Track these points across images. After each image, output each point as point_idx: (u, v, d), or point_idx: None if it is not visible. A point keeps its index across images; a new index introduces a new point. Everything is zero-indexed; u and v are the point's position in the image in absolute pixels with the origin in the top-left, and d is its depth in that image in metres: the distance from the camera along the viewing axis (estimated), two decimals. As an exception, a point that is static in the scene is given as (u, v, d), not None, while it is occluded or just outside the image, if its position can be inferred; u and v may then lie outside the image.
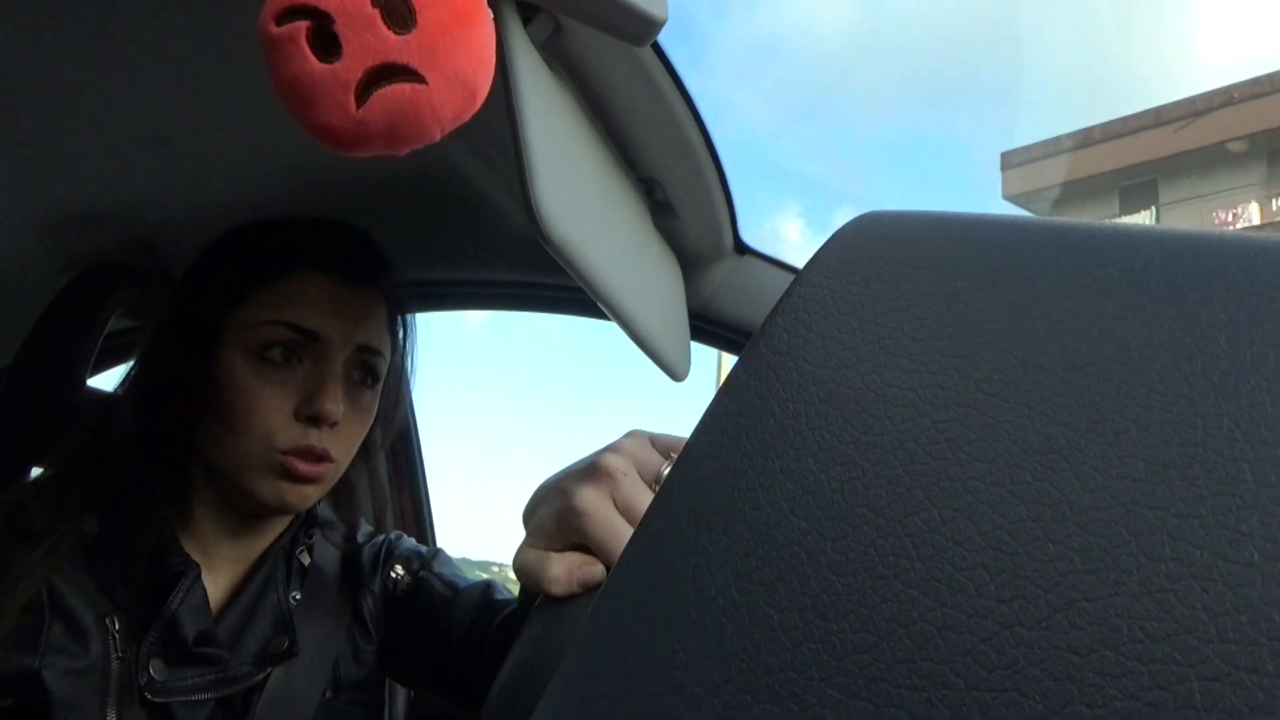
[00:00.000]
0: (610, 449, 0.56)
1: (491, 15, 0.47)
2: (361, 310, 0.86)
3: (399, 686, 1.40)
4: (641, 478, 0.55)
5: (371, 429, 0.91)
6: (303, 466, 0.81)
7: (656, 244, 0.89)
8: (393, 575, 0.96)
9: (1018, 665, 0.21)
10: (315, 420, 0.81)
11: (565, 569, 0.53)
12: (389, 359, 0.91)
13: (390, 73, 0.44)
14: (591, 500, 0.53)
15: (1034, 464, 0.23)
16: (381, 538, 1.01)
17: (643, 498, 0.54)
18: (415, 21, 0.43)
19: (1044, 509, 0.23)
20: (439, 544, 1.57)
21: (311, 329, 0.82)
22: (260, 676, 0.81)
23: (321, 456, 0.82)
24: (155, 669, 0.76)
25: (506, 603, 0.89)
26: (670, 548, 0.27)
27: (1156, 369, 0.24)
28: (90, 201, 1.14)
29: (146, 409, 0.84)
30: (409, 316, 0.99)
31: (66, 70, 0.85)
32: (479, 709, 0.88)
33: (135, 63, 0.82)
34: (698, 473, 0.28)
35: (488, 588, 0.92)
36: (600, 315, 1.11)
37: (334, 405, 0.82)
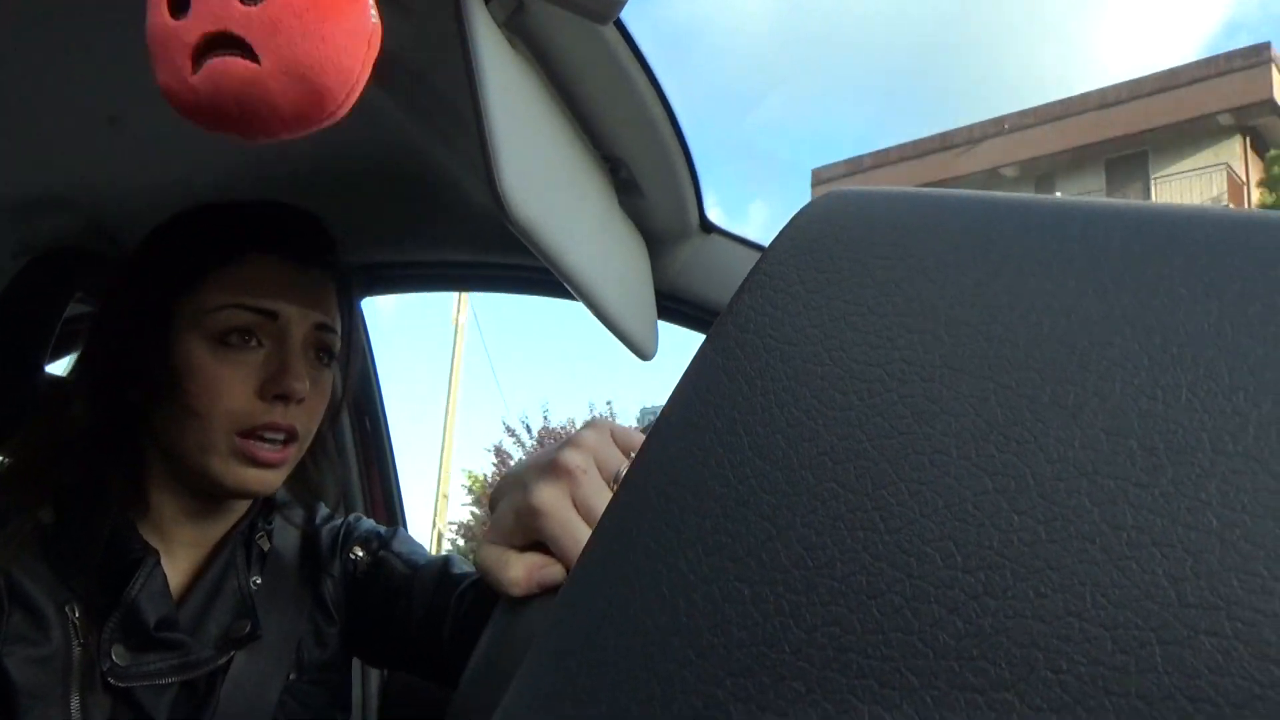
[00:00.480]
0: (571, 444, 0.56)
1: (372, 19, 0.44)
2: (315, 290, 0.86)
3: (370, 667, 1.40)
4: (601, 474, 0.55)
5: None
6: (265, 452, 0.81)
7: (622, 223, 0.88)
8: (352, 556, 0.96)
9: (984, 634, 0.22)
10: (282, 398, 0.81)
11: (525, 571, 0.53)
12: (339, 335, 0.91)
13: (226, 43, 0.41)
14: (549, 499, 0.53)
15: (998, 436, 0.24)
16: (340, 520, 1.00)
17: (601, 497, 0.53)
18: None
19: (1008, 480, 0.23)
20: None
21: (270, 309, 0.82)
22: (223, 660, 0.81)
23: (288, 434, 0.82)
24: (117, 654, 0.76)
25: (465, 575, 0.89)
26: (641, 525, 0.27)
27: (1117, 342, 0.24)
28: (44, 185, 1.12)
29: (99, 396, 0.83)
30: (355, 298, 0.98)
31: (17, 51, 0.83)
32: (444, 682, 0.88)
33: (87, 42, 0.80)
34: (667, 451, 0.28)
35: (446, 562, 0.92)
36: (567, 295, 1.10)
37: (300, 382, 0.82)
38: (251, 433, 0.81)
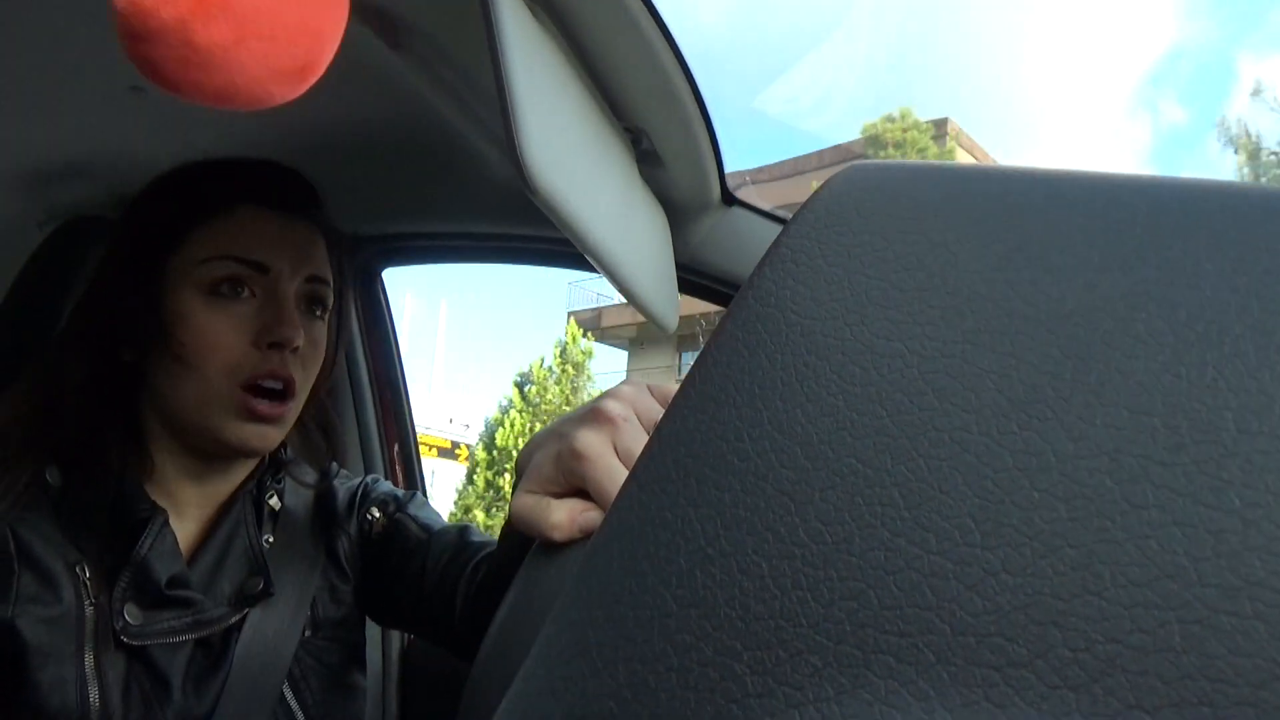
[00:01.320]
0: (610, 394, 0.56)
1: None
2: (304, 241, 0.87)
3: (388, 629, 1.42)
4: (641, 423, 0.55)
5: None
6: (263, 407, 0.82)
7: (643, 194, 0.88)
8: (369, 517, 0.96)
9: (1002, 611, 0.22)
10: (277, 346, 0.82)
11: (568, 514, 0.53)
12: (334, 291, 0.91)
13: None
14: (593, 443, 0.53)
15: (1019, 413, 0.24)
16: (358, 480, 1.01)
17: (642, 443, 0.54)
18: None
19: (1029, 458, 0.23)
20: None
21: (259, 260, 0.83)
22: (237, 618, 0.82)
23: (285, 384, 0.83)
24: (130, 613, 0.77)
25: (483, 544, 0.90)
26: (660, 499, 0.27)
27: (1141, 318, 0.24)
28: (69, 153, 1.13)
29: (92, 354, 0.84)
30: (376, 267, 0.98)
31: (41, 20, 0.83)
32: (454, 649, 0.89)
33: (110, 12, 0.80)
34: (687, 424, 0.28)
35: (464, 530, 0.93)
36: (588, 267, 1.10)
37: (294, 330, 0.82)
38: (250, 384, 0.81)
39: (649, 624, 0.26)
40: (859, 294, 0.27)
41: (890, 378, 0.26)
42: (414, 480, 1.55)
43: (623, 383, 0.59)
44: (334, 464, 1.02)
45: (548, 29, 0.65)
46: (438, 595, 0.88)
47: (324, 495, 0.97)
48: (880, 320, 0.27)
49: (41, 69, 0.92)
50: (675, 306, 0.90)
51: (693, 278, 1.04)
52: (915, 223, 0.28)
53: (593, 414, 0.54)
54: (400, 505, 0.98)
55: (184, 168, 0.89)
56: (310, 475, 0.98)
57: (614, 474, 0.52)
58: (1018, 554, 0.22)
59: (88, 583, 0.77)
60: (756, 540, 0.25)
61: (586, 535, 0.53)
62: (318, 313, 0.89)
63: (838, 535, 0.24)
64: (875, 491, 0.24)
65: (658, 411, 0.56)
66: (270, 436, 0.84)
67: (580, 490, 0.54)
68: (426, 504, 1.01)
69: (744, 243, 1.01)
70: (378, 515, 0.97)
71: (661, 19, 0.71)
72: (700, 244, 1.02)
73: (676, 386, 0.59)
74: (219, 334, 0.81)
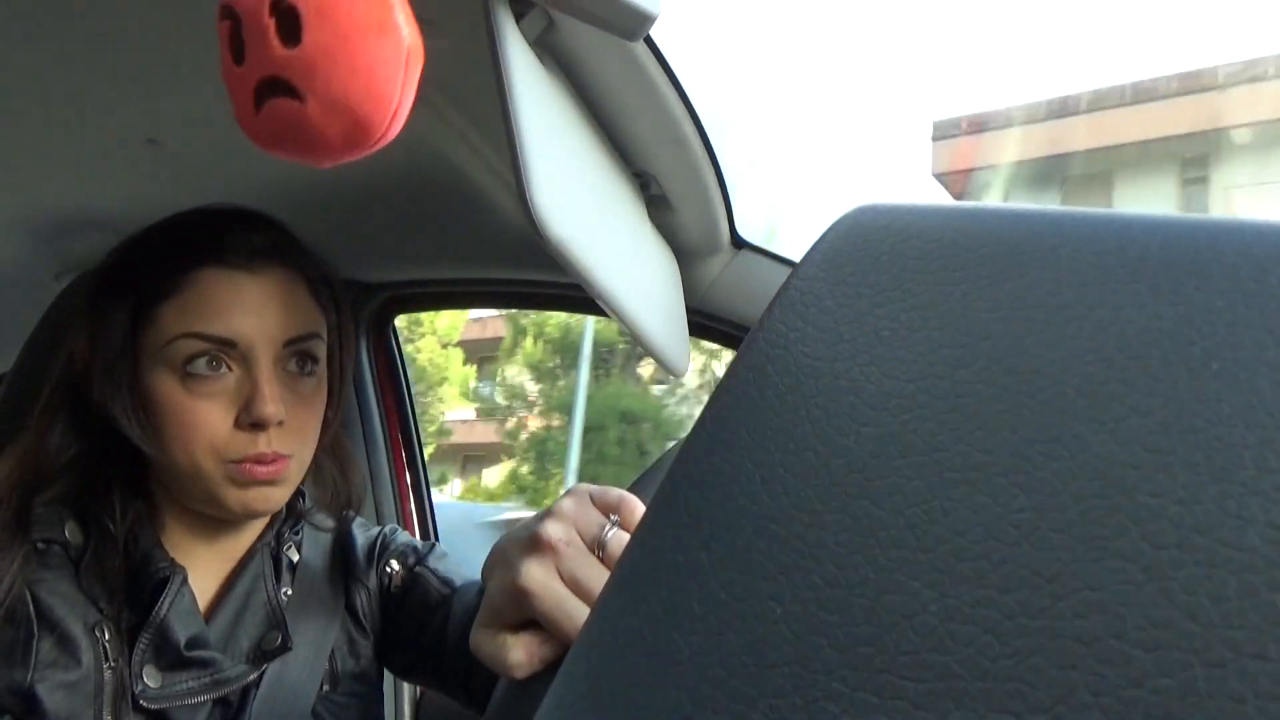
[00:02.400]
0: (550, 516, 0.56)
1: (406, 41, 0.46)
2: (276, 300, 0.81)
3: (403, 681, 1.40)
4: (585, 541, 0.55)
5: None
6: (259, 470, 0.78)
7: (653, 239, 0.89)
8: (388, 569, 0.95)
9: (1021, 655, 0.21)
10: (259, 426, 0.78)
11: (525, 652, 0.52)
12: (325, 336, 0.86)
13: (277, 86, 0.45)
14: (537, 577, 0.53)
15: (1035, 453, 0.23)
16: (376, 530, 0.99)
17: (587, 568, 0.53)
18: (301, 39, 0.44)
19: (1045, 498, 0.23)
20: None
21: (226, 337, 0.78)
22: (255, 675, 0.81)
23: (274, 459, 0.80)
24: (149, 676, 0.76)
25: None
26: (672, 543, 0.27)
27: (1156, 356, 0.24)
28: (85, 205, 1.14)
29: (82, 427, 0.82)
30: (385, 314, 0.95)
31: (60, 74, 0.84)
32: (475, 704, 0.88)
33: (127, 65, 0.82)
34: (698, 468, 0.28)
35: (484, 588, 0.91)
36: (600, 312, 1.11)
37: (274, 408, 0.78)
38: (240, 460, 0.78)
39: (662, 672, 0.25)
40: (869, 335, 0.27)
41: (903, 418, 0.25)
42: (427, 523, 1.54)
43: (564, 495, 0.58)
44: (352, 512, 1.00)
45: (557, 76, 0.65)
46: (458, 651, 0.86)
47: (342, 545, 0.96)
48: (891, 360, 0.27)
49: (57, 122, 0.94)
50: (686, 350, 0.90)
51: (703, 321, 1.04)
52: (925, 263, 0.28)
53: (533, 542, 0.54)
54: (420, 558, 0.96)
55: (145, 233, 0.85)
56: (328, 523, 0.97)
57: (563, 604, 0.52)
58: (1036, 597, 0.22)
59: (107, 645, 0.76)
60: (770, 585, 0.25)
61: (548, 666, 0.53)
62: (306, 369, 0.84)
63: (852, 579, 0.24)
64: (889, 534, 0.24)
65: (600, 523, 0.56)
66: (273, 496, 0.82)
67: (534, 620, 0.53)
68: (446, 556, 0.99)
69: (753, 285, 1.01)
70: (397, 568, 0.95)
71: (669, 66, 0.71)
72: (710, 287, 1.03)
73: (621, 493, 0.59)
74: (199, 417, 0.77)
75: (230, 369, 0.78)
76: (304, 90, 0.45)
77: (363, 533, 0.99)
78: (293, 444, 0.81)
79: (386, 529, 1.00)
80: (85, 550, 0.79)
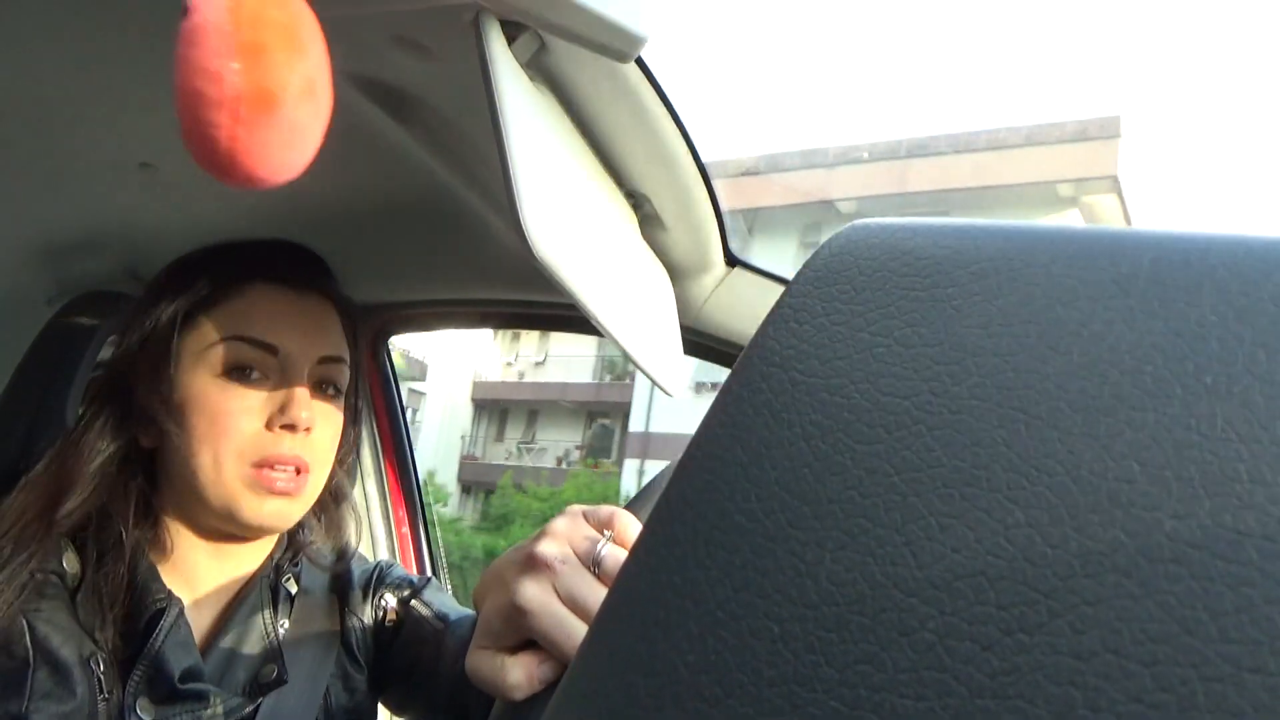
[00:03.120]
0: (544, 535, 0.56)
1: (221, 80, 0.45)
2: (316, 319, 0.88)
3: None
4: (580, 559, 0.55)
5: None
6: (279, 480, 0.81)
7: (647, 258, 0.89)
8: (382, 603, 0.95)
9: (1020, 671, 0.21)
10: (289, 428, 0.82)
11: (524, 673, 0.52)
12: (349, 368, 0.91)
13: None
14: (534, 596, 0.53)
15: (1029, 469, 0.23)
16: (373, 565, 1.00)
17: (584, 585, 0.53)
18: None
19: (1040, 514, 0.23)
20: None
21: (270, 343, 0.83)
22: (250, 708, 0.80)
23: (298, 467, 0.82)
24: (143, 708, 0.75)
25: None
26: (669, 562, 0.27)
27: (1149, 372, 0.24)
28: (78, 229, 1.14)
29: (112, 438, 0.84)
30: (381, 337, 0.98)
31: (52, 98, 0.85)
32: None
33: (120, 89, 0.82)
34: (693, 486, 0.28)
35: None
36: (594, 332, 1.11)
37: (307, 412, 0.82)
38: (262, 464, 0.81)
39: (660, 691, 0.25)
40: (863, 352, 0.27)
41: (897, 435, 0.25)
42: (422, 554, 1.54)
43: (559, 515, 0.58)
44: (349, 545, 1.00)
45: (549, 98, 0.66)
46: (452, 685, 0.87)
47: (340, 579, 0.96)
48: (885, 377, 0.27)
49: (50, 146, 0.94)
50: (680, 369, 0.90)
51: (698, 339, 1.04)
52: (918, 279, 0.28)
53: (529, 561, 0.54)
54: (415, 591, 0.96)
55: (198, 252, 0.90)
56: (327, 558, 0.97)
57: (562, 623, 0.52)
58: (1033, 612, 0.22)
59: (101, 677, 0.75)
60: (767, 603, 0.25)
61: (547, 686, 0.52)
62: (331, 393, 0.88)
63: (850, 596, 0.24)
64: (886, 551, 0.24)
65: (595, 541, 0.56)
66: (289, 513, 0.84)
67: (531, 641, 0.53)
68: (441, 589, 0.99)
69: (747, 303, 1.02)
70: (391, 602, 0.95)
71: (660, 86, 0.72)
72: (704, 305, 1.03)
73: (613, 509, 0.59)
74: (231, 416, 0.81)
75: (267, 376, 0.83)
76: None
77: (360, 566, 0.99)
78: (314, 457, 0.84)
79: (383, 563, 1.01)
80: (81, 581, 0.80)
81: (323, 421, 0.86)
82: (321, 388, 0.87)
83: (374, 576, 0.98)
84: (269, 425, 0.82)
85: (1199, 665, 0.20)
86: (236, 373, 0.82)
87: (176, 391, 0.82)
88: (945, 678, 0.22)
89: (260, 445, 0.81)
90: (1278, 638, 0.20)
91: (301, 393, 0.83)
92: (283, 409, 0.82)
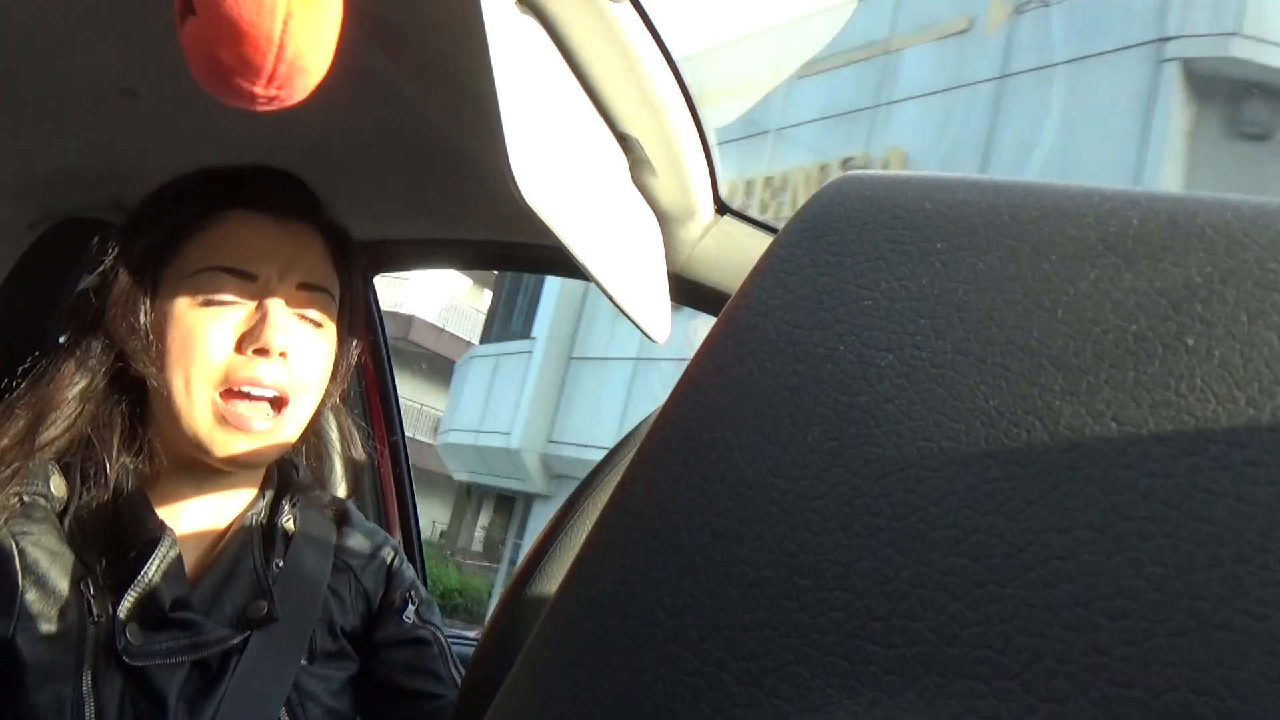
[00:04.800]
0: None
1: None
2: (297, 246, 0.86)
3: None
4: None
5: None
6: (254, 420, 0.81)
7: (636, 202, 0.88)
8: (405, 618, 0.97)
9: (990, 622, 0.22)
10: (262, 352, 0.80)
11: None
12: (337, 298, 0.90)
13: (188, 4, 0.47)
14: None
15: (1008, 425, 0.24)
16: (382, 540, 1.00)
17: None
18: None
19: (1018, 469, 0.23)
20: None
21: (247, 270, 0.82)
22: (238, 640, 0.81)
23: (276, 399, 0.82)
24: (131, 633, 0.76)
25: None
26: (649, 507, 0.27)
27: (1131, 331, 0.24)
28: (61, 157, 1.12)
29: (92, 364, 0.83)
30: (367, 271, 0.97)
31: (31, 23, 0.83)
32: None
33: (100, 16, 0.80)
34: (675, 433, 0.28)
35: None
36: (580, 276, 1.10)
37: (280, 336, 0.81)
38: (232, 391, 0.80)
39: (636, 633, 0.26)
40: (849, 304, 0.27)
41: (879, 387, 0.26)
42: (405, 491, 1.54)
43: None
44: (350, 503, 1.01)
45: (539, 36, 0.65)
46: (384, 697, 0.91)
47: (338, 525, 0.97)
48: (870, 330, 0.27)
49: (31, 72, 0.92)
50: (666, 316, 0.90)
51: (685, 286, 1.04)
52: (906, 233, 0.28)
53: None
54: (439, 622, 0.99)
55: (180, 180, 0.88)
56: (325, 499, 0.97)
57: None
58: (1006, 565, 0.22)
59: (91, 600, 0.76)
60: (745, 549, 0.25)
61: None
62: (313, 321, 0.87)
63: (825, 545, 0.24)
64: (864, 501, 0.24)
65: None
66: (260, 452, 0.83)
67: None
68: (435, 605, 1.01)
69: (735, 252, 1.01)
70: (413, 617, 0.96)
71: (655, 28, 0.71)
72: (692, 252, 1.02)
73: None
74: (203, 337, 0.80)
75: (243, 304, 0.82)
76: (197, 5, 0.46)
77: (362, 521, 1.00)
78: (291, 384, 0.83)
79: (392, 550, 1.00)
80: (68, 506, 0.80)
81: (304, 349, 0.84)
82: (303, 316, 0.86)
83: (390, 565, 0.98)
84: (240, 348, 0.80)
85: (1165, 620, 0.20)
86: (214, 298, 0.81)
87: (153, 320, 0.81)
88: (917, 625, 0.22)
89: (231, 369, 0.80)
90: (1244, 595, 0.20)
91: (277, 316, 0.81)
92: (255, 332, 0.80)
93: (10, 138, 1.08)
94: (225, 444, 0.81)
